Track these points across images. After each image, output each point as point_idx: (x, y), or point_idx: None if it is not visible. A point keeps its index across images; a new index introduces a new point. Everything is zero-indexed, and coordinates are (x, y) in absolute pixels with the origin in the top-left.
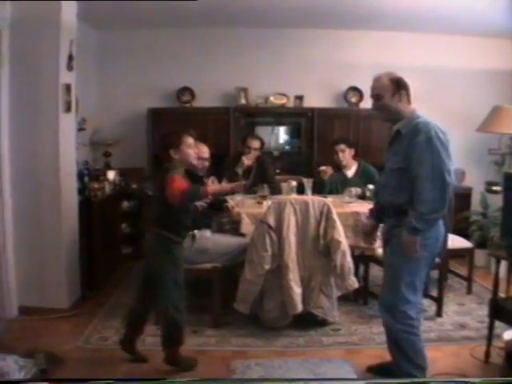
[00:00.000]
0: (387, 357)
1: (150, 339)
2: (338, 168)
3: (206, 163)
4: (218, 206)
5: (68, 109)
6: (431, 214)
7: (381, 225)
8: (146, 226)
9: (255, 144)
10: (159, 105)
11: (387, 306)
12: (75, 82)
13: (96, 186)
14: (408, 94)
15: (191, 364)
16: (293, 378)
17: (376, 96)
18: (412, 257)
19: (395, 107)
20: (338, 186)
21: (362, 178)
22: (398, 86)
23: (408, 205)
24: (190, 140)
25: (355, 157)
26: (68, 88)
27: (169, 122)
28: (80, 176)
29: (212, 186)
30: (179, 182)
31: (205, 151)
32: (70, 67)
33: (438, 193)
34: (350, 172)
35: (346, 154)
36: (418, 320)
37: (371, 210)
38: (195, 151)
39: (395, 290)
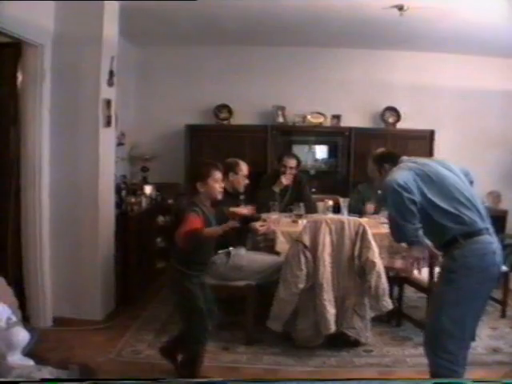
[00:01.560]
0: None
1: None
2: (371, 184)
3: (246, 181)
4: (247, 225)
5: (108, 123)
6: (396, 218)
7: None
8: None
9: (291, 163)
10: (197, 121)
11: (426, 339)
12: (115, 97)
13: (133, 200)
14: (394, 162)
15: None
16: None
17: (370, 179)
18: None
19: (376, 176)
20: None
21: None
22: (382, 161)
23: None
24: (217, 174)
25: None
26: (108, 103)
27: (206, 139)
28: (118, 190)
29: (208, 229)
30: (188, 225)
31: (245, 169)
32: (110, 83)
33: (390, 197)
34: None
35: None
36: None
37: None
38: (221, 186)
39: (434, 322)
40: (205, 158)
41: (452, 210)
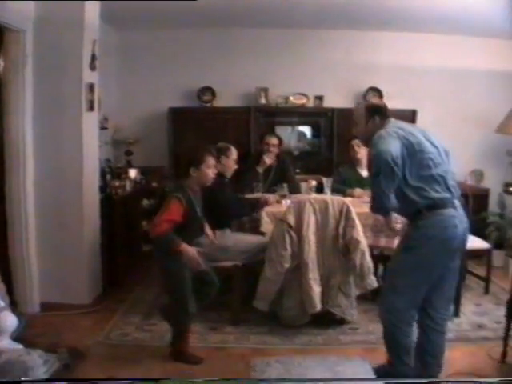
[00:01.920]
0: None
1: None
2: (354, 167)
3: (236, 166)
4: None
5: (91, 108)
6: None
7: None
8: None
9: (273, 141)
10: (180, 104)
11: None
12: (98, 81)
13: (117, 183)
14: (383, 119)
15: (195, 362)
16: (312, 378)
17: (353, 123)
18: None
19: (368, 133)
20: (352, 185)
21: None
22: (372, 112)
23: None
24: (211, 160)
25: None
26: (91, 87)
27: (189, 122)
28: (102, 174)
29: (186, 247)
30: (168, 217)
31: (235, 154)
32: (92, 67)
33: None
34: (365, 172)
35: (361, 150)
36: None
37: None
38: (214, 172)
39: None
40: (188, 140)
41: (421, 185)
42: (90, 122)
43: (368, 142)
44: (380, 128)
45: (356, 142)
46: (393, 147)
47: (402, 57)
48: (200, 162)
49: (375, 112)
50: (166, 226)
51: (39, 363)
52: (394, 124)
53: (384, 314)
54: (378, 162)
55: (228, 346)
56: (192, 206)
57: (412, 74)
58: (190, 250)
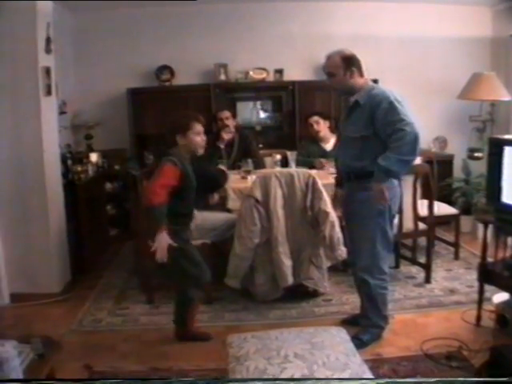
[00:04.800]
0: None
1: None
2: (316, 142)
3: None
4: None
5: (48, 92)
6: (410, 156)
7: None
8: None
9: (224, 114)
10: (139, 84)
11: (365, 266)
12: (54, 65)
13: (79, 168)
14: (360, 69)
15: (205, 339)
16: (290, 350)
17: (328, 74)
18: (384, 204)
19: (347, 83)
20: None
21: None
22: (349, 63)
23: (371, 167)
24: (198, 127)
25: (332, 129)
26: (47, 71)
27: (149, 102)
28: (63, 159)
29: (163, 235)
30: (163, 181)
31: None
32: (48, 50)
33: (412, 138)
34: (329, 145)
35: (321, 126)
36: (387, 275)
37: (337, 179)
38: (203, 139)
39: (371, 249)
40: (149, 121)
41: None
42: (48, 107)
43: (346, 93)
44: (362, 83)
45: (314, 119)
46: (410, 112)
47: (360, 27)
48: (186, 129)
49: (353, 64)
50: (162, 194)
51: (13, 354)
52: (379, 86)
53: (372, 281)
54: (411, 134)
55: (203, 325)
56: (186, 171)
57: (371, 43)
58: (164, 241)
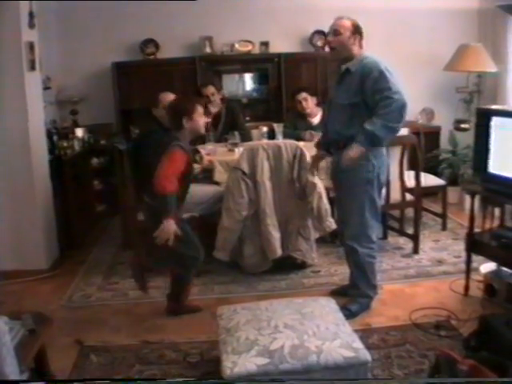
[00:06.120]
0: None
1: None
2: (303, 117)
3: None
4: None
5: (32, 67)
6: (395, 123)
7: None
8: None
9: (209, 90)
10: (123, 58)
11: (353, 235)
12: (38, 40)
13: (65, 144)
14: (361, 40)
15: (195, 310)
16: (280, 320)
17: (335, 31)
18: (348, 165)
19: (347, 46)
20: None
21: None
22: (357, 30)
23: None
24: (200, 109)
25: (319, 104)
26: (31, 46)
27: (134, 76)
28: (49, 135)
29: (172, 223)
30: (176, 170)
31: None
32: (31, 24)
33: (399, 106)
34: (316, 119)
35: (308, 103)
36: (376, 244)
37: (318, 142)
38: (205, 120)
39: (359, 218)
40: (134, 94)
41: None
42: (33, 83)
43: (342, 59)
44: (358, 53)
45: (303, 96)
46: (401, 87)
47: None
48: (192, 112)
49: (358, 32)
50: (174, 181)
51: (4, 330)
52: (373, 56)
53: (361, 249)
54: (398, 103)
55: (192, 298)
56: (190, 155)
57: (356, 15)
58: (173, 228)
